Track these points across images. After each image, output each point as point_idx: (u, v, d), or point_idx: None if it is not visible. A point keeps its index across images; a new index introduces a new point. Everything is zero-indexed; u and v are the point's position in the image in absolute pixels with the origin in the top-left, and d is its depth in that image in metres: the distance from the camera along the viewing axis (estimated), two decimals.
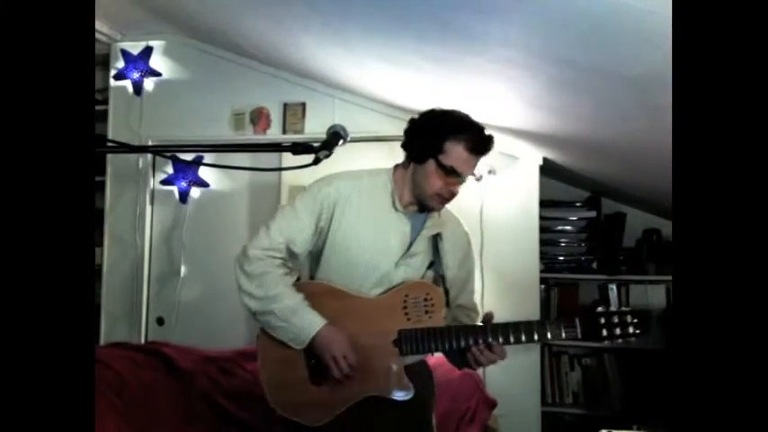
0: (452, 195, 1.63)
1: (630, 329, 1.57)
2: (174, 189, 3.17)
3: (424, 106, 2.67)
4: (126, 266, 3.18)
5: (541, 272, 2.89)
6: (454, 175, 1.57)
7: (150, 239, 3.20)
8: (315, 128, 2.95)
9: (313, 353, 1.60)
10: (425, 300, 1.63)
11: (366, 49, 2.24)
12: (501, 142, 2.80)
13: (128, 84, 3.20)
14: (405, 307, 1.63)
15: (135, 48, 3.18)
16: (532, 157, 2.83)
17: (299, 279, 1.69)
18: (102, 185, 3.19)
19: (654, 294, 2.98)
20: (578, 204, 3.15)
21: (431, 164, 1.58)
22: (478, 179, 1.61)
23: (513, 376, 2.77)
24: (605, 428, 1.97)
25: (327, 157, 1.46)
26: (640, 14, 1.26)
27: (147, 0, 2.81)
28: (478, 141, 1.58)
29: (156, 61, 3.18)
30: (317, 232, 1.64)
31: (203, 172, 3.15)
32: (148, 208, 3.20)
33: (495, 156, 2.84)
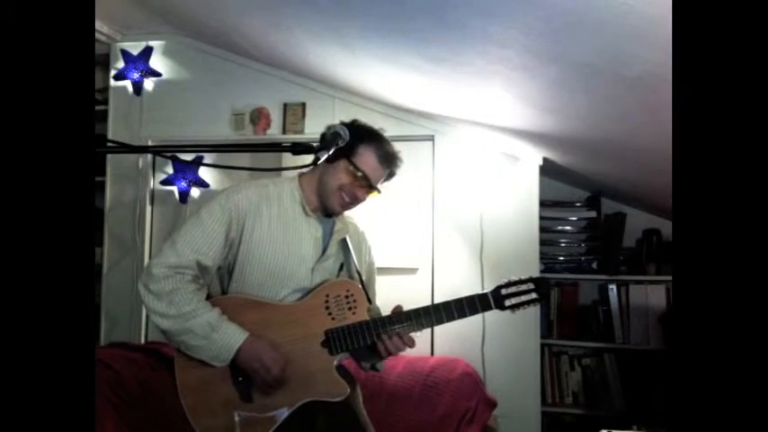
0: (355, 198, 1.66)
1: (533, 296, 1.68)
2: (174, 189, 3.17)
3: (424, 106, 2.66)
4: (126, 266, 3.17)
5: (541, 272, 2.89)
6: (362, 178, 1.62)
7: (150, 239, 3.20)
8: (315, 128, 2.95)
9: (238, 370, 1.56)
10: (347, 297, 1.64)
11: (366, 49, 2.24)
12: (501, 142, 2.83)
13: (128, 84, 3.19)
14: (327, 307, 1.63)
15: (135, 48, 3.18)
16: (532, 157, 2.83)
17: (208, 297, 1.63)
18: (102, 185, 3.19)
19: (654, 294, 2.98)
20: (578, 204, 3.15)
21: (342, 162, 1.62)
22: (379, 192, 1.69)
23: (513, 376, 2.78)
24: (605, 428, 1.97)
25: (328, 156, 1.47)
26: (640, 14, 1.26)
27: (147, 0, 2.81)
28: (388, 154, 1.66)
29: (156, 61, 3.18)
30: (228, 244, 1.60)
31: (203, 172, 3.15)
32: (148, 208, 3.19)
33: (496, 156, 2.87)
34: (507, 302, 1.67)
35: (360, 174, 1.62)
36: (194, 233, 1.56)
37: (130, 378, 2.30)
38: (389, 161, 1.67)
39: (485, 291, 1.68)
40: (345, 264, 1.74)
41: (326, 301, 1.63)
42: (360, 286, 1.69)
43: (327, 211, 1.69)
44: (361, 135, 1.63)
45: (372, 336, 1.62)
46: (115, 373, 2.27)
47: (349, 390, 1.62)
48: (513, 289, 1.68)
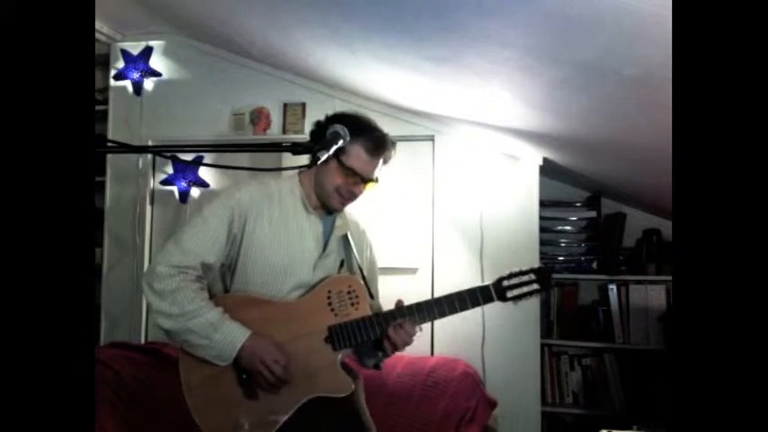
0: (352, 195, 1.66)
1: (535, 286, 1.68)
2: (174, 189, 3.17)
3: (424, 106, 2.66)
4: (126, 266, 3.17)
5: None
6: (354, 175, 1.62)
7: (150, 239, 3.20)
8: None
9: (242, 367, 1.56)
10: (349, 292, 1.64)
11: (366, 48, 2.24)
12: (501, 142, 2.83)
13: (128, 84, 3.20)
14: (329, 303, 1.63)
15: (135, 48, 3.18)
16: (532, 157, 2.84)
17: (211, 296, 1.62)
18: (102, 185, 3.19)
19: (654, 294, 2.98)
20: (578, 204, 3.15)
21: (333, 163, 1.61)
22: (376, 181, 1.68)
23: (513, 376, 2.78)
24: (605, 428, 1.97)
25: (327, 156, 1.47)
26: (640, 14, 1.26)
27: (147, 0, 2.81)
28: (377, 143, 1.63)
29: (156, 61, 3.19)
30: (230, 240, 1.60)
31: (203, 172, 3.15)
32: (148, 208, 3.19)
33: (496, 156, 2.87)
34: (509, 294, 1.67)
35: (352, 172, 1.61)
36: (198, 232, 1.57)
37: (130, 378, 2.30)
38: (380, 149, 1.63)
39: (486, 283, 1.68)
40: (346, 260, 1.75)
41: (329, 297, 1.63)
42: (361, 281, 1.69)
43: (328, 208, 1.70)
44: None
45: (376, 330, 1.63)
46: (115, 373, 2.27)
47: (353, 386, 1.62)
48: (514, 280, 1.67)
